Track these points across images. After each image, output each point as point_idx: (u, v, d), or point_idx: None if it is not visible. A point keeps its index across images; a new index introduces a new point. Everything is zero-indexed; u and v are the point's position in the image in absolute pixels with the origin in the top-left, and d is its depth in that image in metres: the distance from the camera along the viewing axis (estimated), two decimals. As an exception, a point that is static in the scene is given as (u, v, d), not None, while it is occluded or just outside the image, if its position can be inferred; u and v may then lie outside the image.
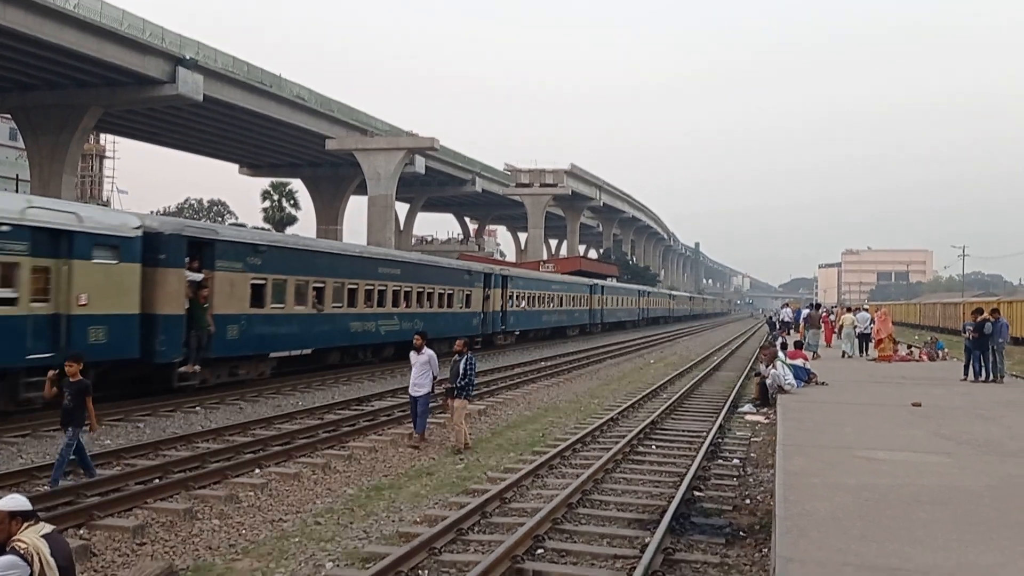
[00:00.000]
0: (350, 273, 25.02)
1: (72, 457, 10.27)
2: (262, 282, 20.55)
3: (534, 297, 44.07)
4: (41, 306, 14.75)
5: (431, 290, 30.78)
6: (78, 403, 10.19)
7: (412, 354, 14.58)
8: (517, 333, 41.81)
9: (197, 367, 18.15)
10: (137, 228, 16.85)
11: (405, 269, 29.03)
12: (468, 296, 34.53)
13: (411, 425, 14.66)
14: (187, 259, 17.97)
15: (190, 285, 17.94)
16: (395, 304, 27.77)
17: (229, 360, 19.74)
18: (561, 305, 49.27)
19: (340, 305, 24.20)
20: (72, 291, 15.17)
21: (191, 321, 17.85)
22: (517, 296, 40.92)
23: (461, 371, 13.92)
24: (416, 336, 14.75)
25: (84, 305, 15.37)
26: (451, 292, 32.66)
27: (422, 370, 14.17)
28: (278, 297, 21.23)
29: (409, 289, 28.85)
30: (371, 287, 26.12)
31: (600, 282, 61.68)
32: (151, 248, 17.06)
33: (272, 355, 21.48)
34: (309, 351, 23.01)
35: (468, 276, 35.02)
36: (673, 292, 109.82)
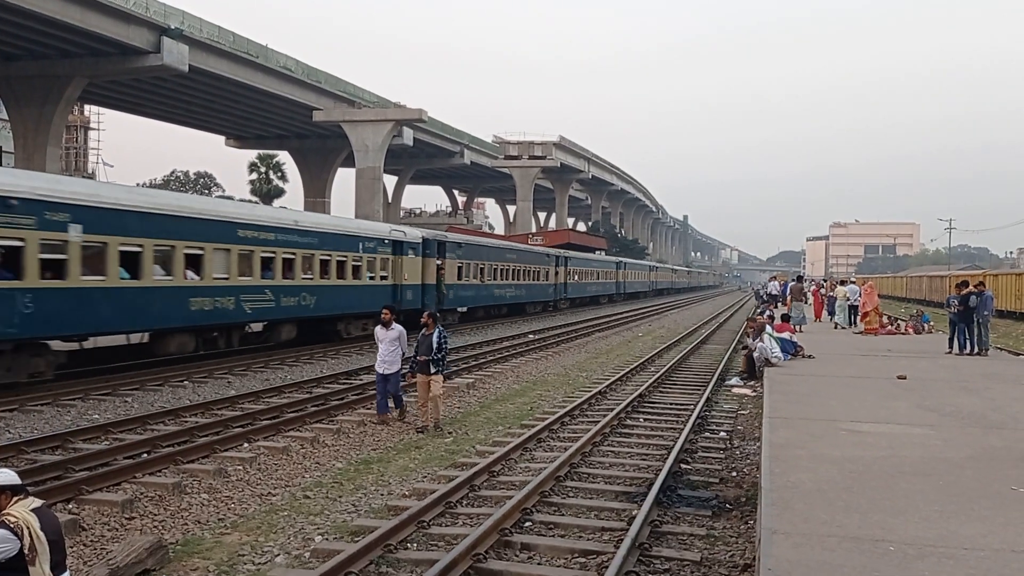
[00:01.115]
0: (495, 257, 39.73)
1: None
2: (461, 265, 34.97)
3: (583, 272, 58.03)
4: (391, 280, 28.43)
5: (531, 268, 45.50)
6: None
7: (379, 330, 13.64)
8: (568, 300, 54.53)
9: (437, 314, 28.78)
10: (419, 237, 31.01)
11: (519, 254, 44.24)
12: (547, 272, 48.68)
13: (376, 406, 13.85)
14: (437, 253, 32.37)
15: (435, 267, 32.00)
16: (513, 278, 42.11)
17: (447, 311, 33.10)
18: (599, 279, 63.43)
19: (492, 279, 38.86)
20: (402, 272, 28.86)
21: (437, 288, 32.08)
22: (572, 272, 54.21)
23: (435, 345, 13.03)
24: (384, 310, 13.83)
25: (405, 279, 29.12)
26: (539, 269, 47.14)
27: (392, 347, 13.44)
28: (467, 274, 35.84)
29: (520, 268, 43.47)
30: (504, 267, 40.66)
31: (625, 260, 76.66)
32: (424, 247, 31.03)
33: (459, 309, 36.05)
34: (464, 308, 36.73)
35: (547, 257, 49.39)
36: (675, 267, 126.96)
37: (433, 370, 13.04)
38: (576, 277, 55.09)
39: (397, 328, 13.56)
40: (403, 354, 13.64)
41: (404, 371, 13.83)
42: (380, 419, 13.52)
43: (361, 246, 26.51)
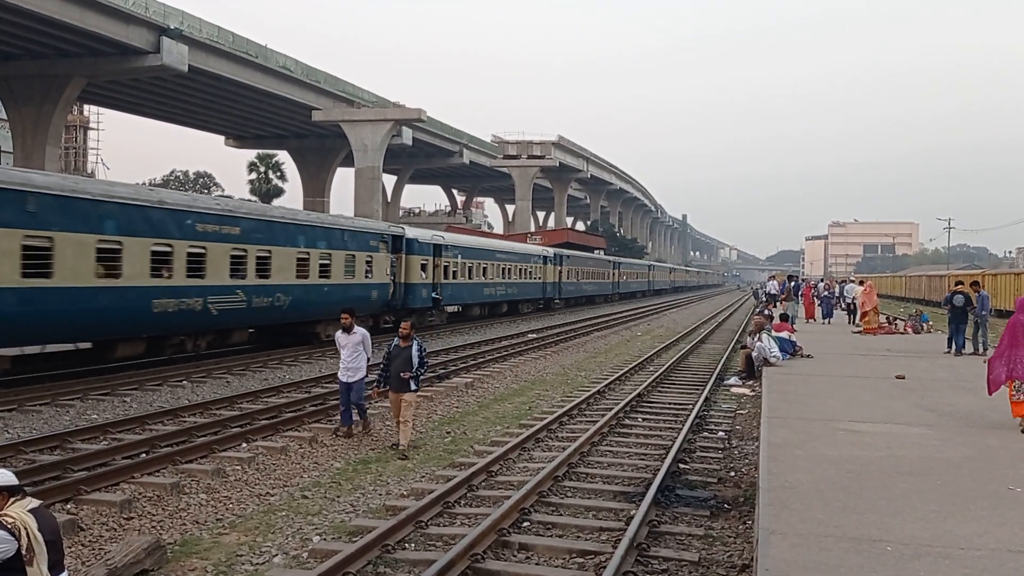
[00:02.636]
0: (582, 264, 58.29)
1: None
2: (570, 270, 53.03)
3: (628, 274, 76.95)
4: (541, 280, 47.62)
5: (599, 271, 64.29)
6: None
7: (340, 335, 12.51)
8: (619, 294, 72.60)
9: (560, 302, 52.09)
10: (552, 252, 49.98)
11: (596, 262, 64.38)
12: (608, 273, 67.27)
13: (340, 417, 12.72)
14: (558, 263, 51.25)
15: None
16: (591, 278, 60.68)
17: (566, 299, 53.16)
18: (637, 278, 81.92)
19: (582, 279, 57.67)
20: (546, 275, 48.44)
21: (558, 285, 50.57)
22: (622, 274, 72.66)
23: (417, 361, 11.64)
24: (344, 314, 12.59)
25: (547, 279, 48.56)
26: (604, 271, 65.87)
27: (355, 351, 12.34)
28: (571, 276, 53.63)
29: (594, 270, 62.16)
30: (587, 270, 59.48)
31: (653, 263, 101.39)
32: (554, 259, 49.93)
33: (562, 298, 52.76)
34: (560, 299, 52.05)
35: (608, 263, 68.69)
36: (687, 268, 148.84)
37: (414, 387, 11.73)
38: (624, 277, 74.06)
39: (360, 332, 12.50)
40: (368, 359, 12.60)
41: (371, 382, 12.70)
42: (345, 432, 12.44)
43: (531, 259, 46.75)
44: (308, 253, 23.25)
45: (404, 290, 29.60)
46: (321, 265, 23.89)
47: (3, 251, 14.46)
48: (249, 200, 65.99)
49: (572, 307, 54.96)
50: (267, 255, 21.43)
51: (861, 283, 32.88)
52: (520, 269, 44.04)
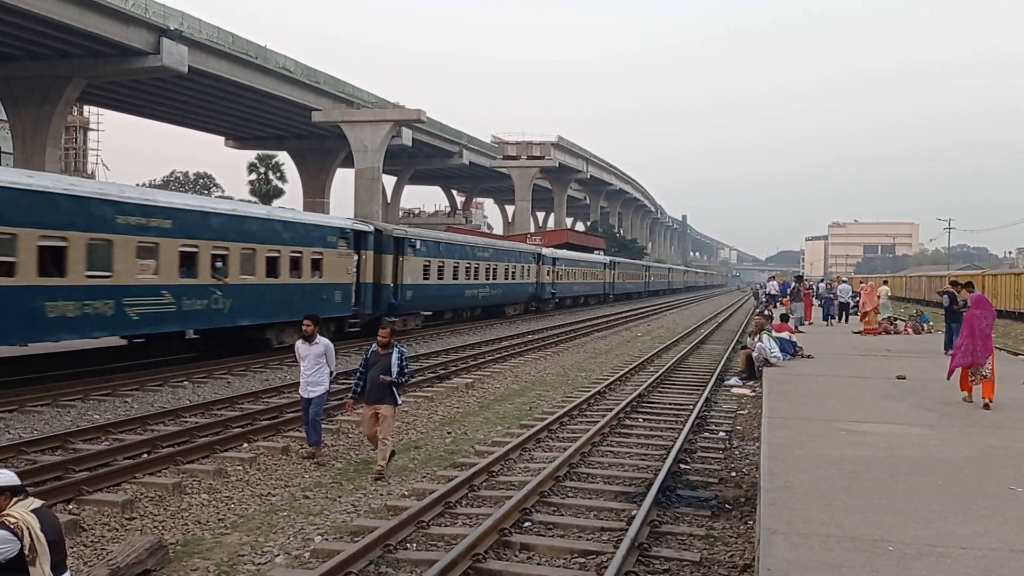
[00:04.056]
0: (627, 268, 76.51)
1: None
2: (621, 272, 72.09)
3: (656, 275, 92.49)
4: (601, 280, 64.90)
5: (637, 272, 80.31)
6: None
7: (300, 344, 11.22)
8: (649, 292, 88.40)
9: (612, 297, 68.81)
10: (608, 260, 69.02)
11: (635, 266, 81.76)
12: (642, 274, 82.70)
13: (304, 434, 11.54)
14: (612, 268, 69.23)
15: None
16: (633, 279, 76.99)
17: (616, 295, 70.83)
18: (661, 278, 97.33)
19: (627, 280, 75.48)
20: (608, 278, 66.82)
21: (610, 285, 68.14)
22: (651, 275, 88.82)
23: (397, 368, 10.38)
24: (306, 321, 11.20)
25: (604, 280, 65.90)
26: (638, 273, 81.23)
27: (317, 364, 11.10)
28: (622, 277, 72.39)
29: (634, 273, 78.37)
30: (630, 273, 77.65)
31: (671, 266, 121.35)
32: (609, 265, 67.65)
33: (616, 293, 71.17)
34: (612, 295, 68.74)
35: (643, 267, 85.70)
36: (696, 270, 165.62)
37: (399, 400, 10.66)
38: (653, 278, 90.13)
39: (323, 342, 11.23)
40: (331, 372, 11.40)
41: (345, 398, 11.72)
42: (312, 452, 11.23)
43: (596, 266, 62.58)
44: (508, 265, 41.53)
45: (539, 287, 47.44)
46: (513, 271, 42.26)
47: (426, 268, 31.16)
48: (250, 201, 66.09)
49: (618, 300, 70.09)
50: (495, 267, 39.44)
51: (861, 282, 33.05)
52: (591, 273, 60.46)
